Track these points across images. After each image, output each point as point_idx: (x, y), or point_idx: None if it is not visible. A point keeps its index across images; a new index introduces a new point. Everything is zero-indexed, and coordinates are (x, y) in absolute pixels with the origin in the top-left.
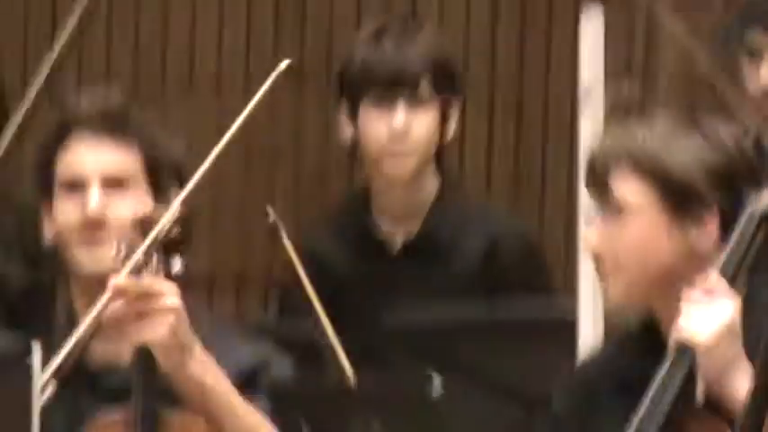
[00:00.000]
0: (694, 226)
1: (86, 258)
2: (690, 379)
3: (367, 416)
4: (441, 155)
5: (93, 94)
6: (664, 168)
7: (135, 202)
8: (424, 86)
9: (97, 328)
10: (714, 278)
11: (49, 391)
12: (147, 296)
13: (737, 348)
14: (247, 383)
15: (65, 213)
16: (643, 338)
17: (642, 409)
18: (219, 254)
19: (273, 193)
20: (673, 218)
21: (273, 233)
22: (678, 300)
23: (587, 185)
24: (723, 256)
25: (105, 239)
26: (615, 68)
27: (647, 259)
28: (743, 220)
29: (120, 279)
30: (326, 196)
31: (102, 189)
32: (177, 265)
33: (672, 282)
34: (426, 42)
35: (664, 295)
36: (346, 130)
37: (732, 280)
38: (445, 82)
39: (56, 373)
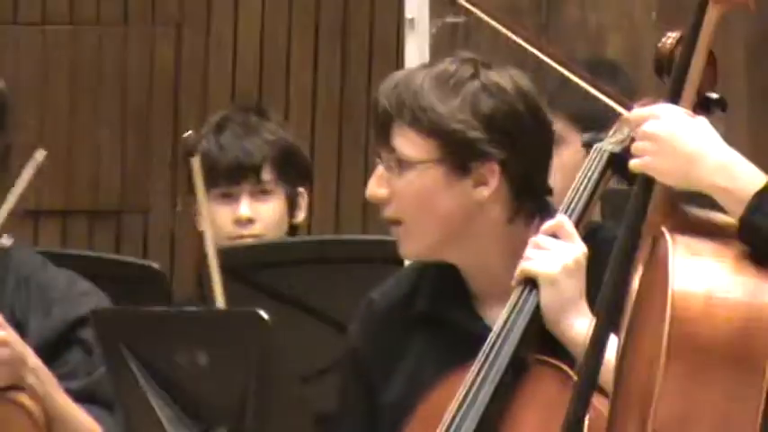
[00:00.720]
0: (472, 177)
1: None
2: (534, 318)
3: (192, 344)
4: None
5: None
6: (438, 122)
7: None
8: (267, 175)
9: None
10: (560, 220)
11: None
12: None
13: (578, 289)
14: (60, 343)
15: None
16: (442, 282)
17: (487, 348)
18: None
19: None
20: (450, 170)
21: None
22: (472, 249)
23: (374, 131)
24: (568, 196)
25: None
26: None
27: (429, 213)
28: (590, 158)
29: None
30: None
31: None
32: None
33: (461, 234)
34: (269, 132)
35: (458, 247)
36: (199, 223)
37: (579, 220)
38: (290, 171)
39: None
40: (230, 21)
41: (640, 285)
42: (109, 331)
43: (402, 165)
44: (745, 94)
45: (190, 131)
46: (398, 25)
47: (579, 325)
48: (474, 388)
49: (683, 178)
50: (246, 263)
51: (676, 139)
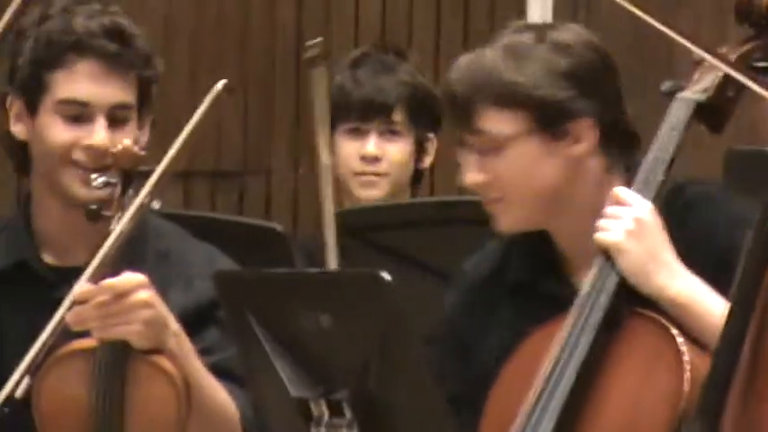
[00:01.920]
0: (567, 138)
1: (74, 183)
2: (623, 283)
3: (315, 305)
4: (417, 183)
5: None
6: (521, 93)
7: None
8: (398, 116)
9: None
10: (619, 190)
11: (24, 386)
12: (116, 297)
13: (652, 249)
14: (199, 319)
15: (61, 136)
16: (533, 250)
17: (580, 304)
18: None
19: None
20: (544, 137)
21: None
22: (572, 212)
23: (453, 121)
24: (653, 149)
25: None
26: None
27: (532, 185)
28: (673, 107)
29: (80, 288)
30: None
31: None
32: (156, 204)
33: (562, 198)
34: (405, 73)
35: (557, 213)
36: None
37: (666, 172)
38: (421, 115)
39: (28, 371)
40: None
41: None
42: (232, 293)
43: (496, 144)
44: None
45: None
46: None
47: (677, 285)
48: (569, 344)
49: None
50: (367, 224)
51: None
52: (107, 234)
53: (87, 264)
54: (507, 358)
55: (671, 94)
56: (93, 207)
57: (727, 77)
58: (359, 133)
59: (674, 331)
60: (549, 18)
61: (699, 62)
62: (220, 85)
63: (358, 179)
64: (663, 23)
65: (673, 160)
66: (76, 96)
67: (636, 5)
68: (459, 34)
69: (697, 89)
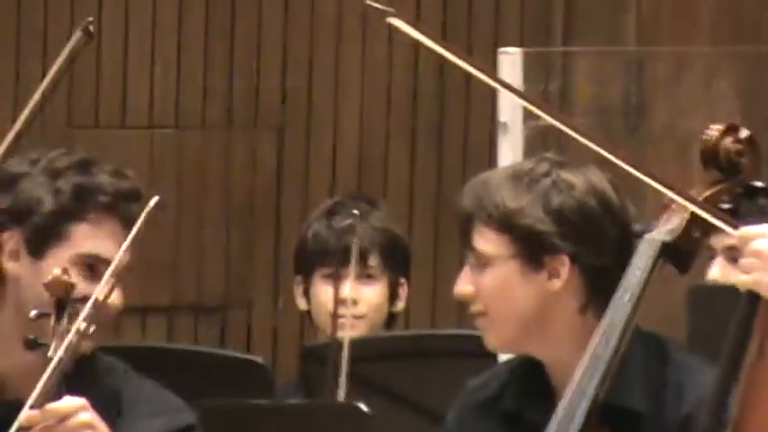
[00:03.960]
0: (545, 270)
1: None
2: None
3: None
4: (390, 326)
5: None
6: (510, 218)
7: None
8: (373, 261)
9: None
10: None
11: None
12: (58, 420)
13: None
14: None
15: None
16: (528, 379)
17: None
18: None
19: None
20: (523, 265)
21: None
22: (551, 342)
23: (459, 233)
24: (620, 287)
25: None
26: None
27: (508, 306)
28: (642, 247)
29: (25, 414)
30: None
31: None
32: (82, 325)
33: (539, 325)
34: (377, 220)
35: (536, 338)
36: (300, 302)
37: (636, 306)
38: (394, 259)
39: None
40: (330, 124)
41: (748, 386)
42: (215, 423)
43: (482, 261)
44: None
45: None
46: (492, 128)
47: None
48: None
49: None
50: (352, 356)
51: None
52: (47, 362)
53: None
54: None
55: (639, 235)
56: (31, 337)
57: (693, 218)
58: (336, 278)
59: None
60: (519, 153)
61: (667, 204)
62: (153, 201)
63: (336, 321)
64: (630, 164)
65: (640, 299)
66: (101, 253)
67: (603, 146)
68: (434, 170)
69: (664, 230)
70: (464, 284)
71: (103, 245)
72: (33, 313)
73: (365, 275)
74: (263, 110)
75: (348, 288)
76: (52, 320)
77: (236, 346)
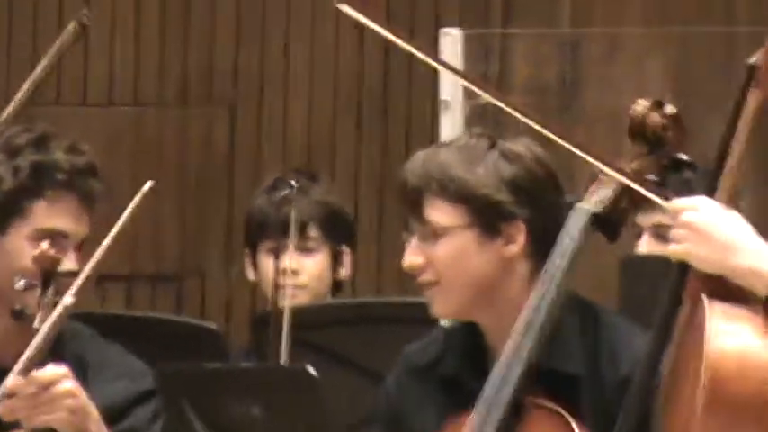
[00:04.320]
0: (500, 237)
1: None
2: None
3: (248, 398)
4: (337, 293)
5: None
6: (466, 189)
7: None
8: (313, 233)
9: None
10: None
11: None
12: (42, 388)
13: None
14: (115, 416)
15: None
16: (465, 344)
17: (487, 394)
18: None
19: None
20: (481, 233)
21: None
22: (500, 308)
23: (403, 207)
24: (552, 255)
25: None
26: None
27: (464, 275)
28: (572, 217)
29: (9, 383)
30: None
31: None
32: (69, 299)
33: (492, 293)
34: (317, 194)
35: (487, 306)
36: (249, 273)
37: (568, 273)
38: (334, 230)
39: None
40: (281, 101)
41: (678, 347)
42: (171, 386)
43: (436, 233)
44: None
45: None
46: (433, 106)
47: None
48: (477, 430)
49: (719, 265)
50: (297, 323)
51: (713, 229)
52: (32, 332)
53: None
54: None
55: (570, 206)
56: (18, 307)
57: (621, 189)
58: (277, 250)
59: (570, 425)
60: (459, 130)
61: (597, 175)
62: (148, 186)
63: (280, 292)
64: (561, 137)
65: (571, 266)
66: (59, 228)
67: (539, 123)
68: (379, 146)
69: (594, 200)
70: (414, 256)
71: (61, 220)
72: (20, 284)
73: (305, 247)
74: (216, 88)
75: (288, 259)
76: (38, 292)
77: (192, 314)
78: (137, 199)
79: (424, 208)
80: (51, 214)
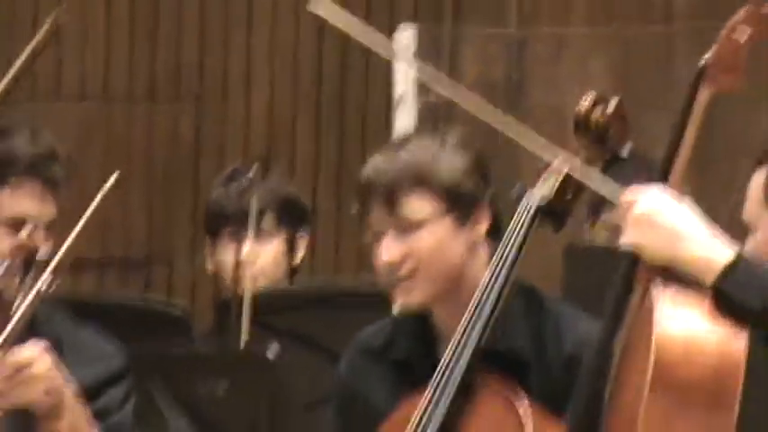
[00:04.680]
0: (471, 220)
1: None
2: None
3: (213, 376)
4: (293, 277)
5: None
6: (438, 179)
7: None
8: (269, 221)
9: None
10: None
11: None
12: (17, 369)
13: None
14: (91, 395)
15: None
16: (415, 329)
17: (438, 374)
18: None
19: None
20: (455, 220)
21: None
22: (461, 293)
23: (368, 205)
24: (501, 245)
25: None
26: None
27: (443, 263)
28: (520, 209)
29: None
30: None
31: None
32: (46, 283)
33: (459, 278)
34: (271, 183)
35: (451, 292)
36: (209, 262)
37: (512, 267)
38: (290, 218)
39: None
40: (243, 96)
41: (629, 331)
42: (141, 368)
43: (414, 225)
44: None
45: None
46: (388, 101)
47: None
48: (429, 410)
49: (667, 254)
50: (258, 308)
51: (662, 219)
52: (8, 316)
53: None
54: (383, 422)
55: (518, 198)
56: None
57: (566, 180)
58: (236, 238)
59: (517, 403)
60: (412, 123)
61: (543, 168)
62: (114, 176)
63: (237, 277)
64: (514, 131)
65: (519, 255)
66: (24, 213)
67: (488, 115)
68: (337, 139)
69: (541, 192)
70: (391, 253)
71: (25, 205)
72: (2, 267)
73: (261, 234)
74: (183, 85)
75: (245, 248)
76: (17, 279)
77: (159, 298)
78: (104, 189)
79: (398, 204)
80: (15, 201)
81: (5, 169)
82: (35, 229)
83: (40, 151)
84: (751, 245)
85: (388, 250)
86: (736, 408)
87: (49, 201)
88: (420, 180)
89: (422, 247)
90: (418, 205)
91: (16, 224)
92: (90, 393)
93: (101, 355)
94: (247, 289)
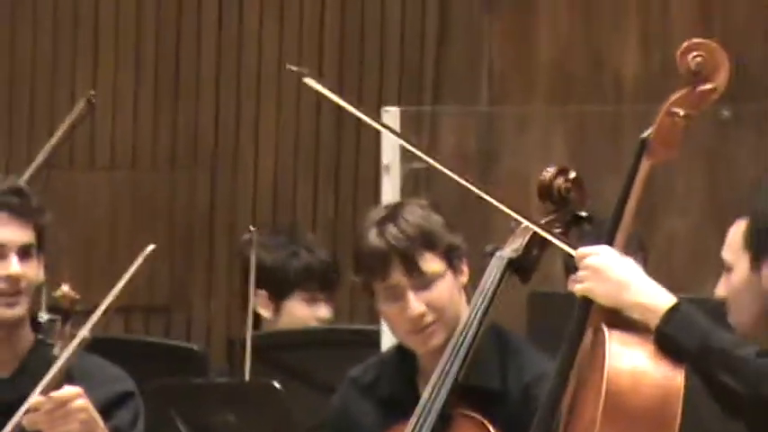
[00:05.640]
0: (459, 272)
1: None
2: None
3: (225, 407)
4: None
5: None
6: (439, 239)
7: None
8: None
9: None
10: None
11: None
12: (60, 404)
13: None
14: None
15: None
16: (398, 368)
17: (421, 407)
18: None
19: None
20: (453, 272)
21: None
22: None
23: (385, 270)
24: (476, 296)
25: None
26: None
27: (453, 308)
28: (493, 263)
29: (34, 400)
30: None
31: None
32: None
33: (458, 321)
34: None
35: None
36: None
37: (484, 314)
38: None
39: None
40: (251, 164)
41: (582, 367)
42: (161, 398)
43: (430, 280)
44: None
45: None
46: (377, 169)
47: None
48: None
49: (615, 300)
50: (263, 345)
51: (611, 271)
52: (21, 349)
53: (8, 375)
54: None
55: (491, 254)
56: (41, 337)
57: (533, 238)
58: (313, 301)
59: (491, 428)
60: (398, 189)
61: (513, 228)
62: (149, 248)
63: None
64: (492, 196)
65: (492, 302)
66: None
67: (467, 180)
68: (332, 203)
69: (510, 249)
70: (418, 306)
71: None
72: (45, 319)
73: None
74: (200, 153)
75: (323, 309)
76: (58, 325)
77: (178, 339)
78: (139, 260)
79: (417, 262)
80: None
81: None
82: (7, 254)
83: (4, 188)
84: (723, 284)
85: (416, 305)
86: None
87: (15, 229)
88: (429, 242)
89: (441, 298)
90: (432, 263)
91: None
92: (101, 414)
93: (107, 379)
94: (249, 333)
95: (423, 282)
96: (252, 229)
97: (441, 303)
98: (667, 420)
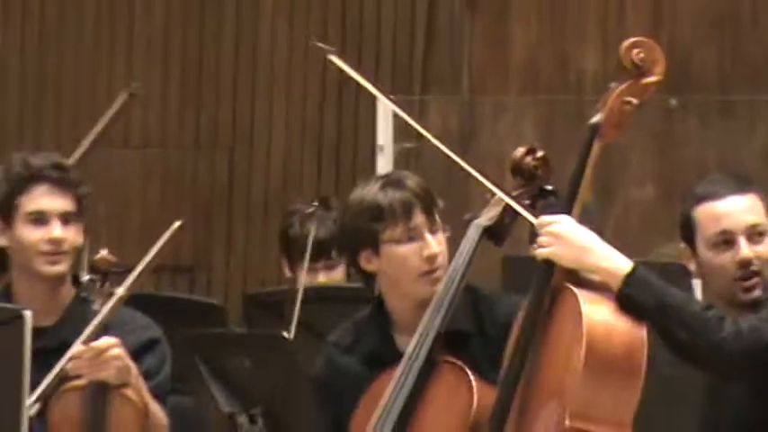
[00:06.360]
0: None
1: (43, 265)
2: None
3: (240, 354)
4: None
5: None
6: (434, 197)
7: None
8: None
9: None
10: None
11: (34, 410)
12: (99, 353)
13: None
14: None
15: (33, 236)
16: (376, 326)
17: (407, 357)
18: None
19: None
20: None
21: None
22: None
23: (413, 217)
24: (455, 259)
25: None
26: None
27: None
28: (470, 230)
29: (76, 349)
30: None
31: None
32: (122, 291)
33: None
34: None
35: None
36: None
37: (463, 275)
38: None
39: (39, 399)
40: (265, 145)
41: (546, 319)
42: (186, 346)
43: (438, 229)
44: None
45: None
46: (373, 149)
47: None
48: (400, 383)
49: (578, 263)
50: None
51: (571, 236)
52: (63, 302)
53: (51, 324)
54: (362, 397)
55: (469, 221)
56: (83, 295)
57: (505, 209)
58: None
59: (469, 372)
60: (390, 166)
61: (488, 199)
62: (176, 224)
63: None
64: (473, 169)
65: (470, 262)
66: (37, 208)
67: (452, 151)
68: (333, 181)
69: (485, 217)
70: (436, 244)
71: (39, 202)
72: (86, 279)
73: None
74: (220, 136)
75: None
76: (97, 284)
77: (201, 294)
78: (167, 234)
79: (433, 207)
80: (31, 201)
81: (23, 181)
82: (50, 220)
83: (47, 163)
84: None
85: (435, 243)
86: (641, 383)
87: (57, 198)
88: (433, 198)
89: (444, 245)
90: (437, 213)
91: (36, 219)
92: (132, 358)
93: (138, 327)
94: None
95: (435, 227)
96: (314, 204)
97: (444, 250)
98: (636, 367)
